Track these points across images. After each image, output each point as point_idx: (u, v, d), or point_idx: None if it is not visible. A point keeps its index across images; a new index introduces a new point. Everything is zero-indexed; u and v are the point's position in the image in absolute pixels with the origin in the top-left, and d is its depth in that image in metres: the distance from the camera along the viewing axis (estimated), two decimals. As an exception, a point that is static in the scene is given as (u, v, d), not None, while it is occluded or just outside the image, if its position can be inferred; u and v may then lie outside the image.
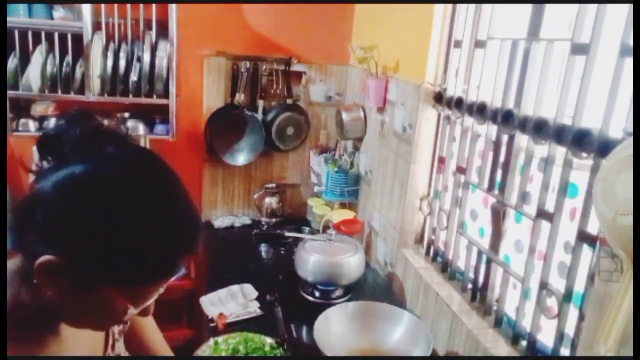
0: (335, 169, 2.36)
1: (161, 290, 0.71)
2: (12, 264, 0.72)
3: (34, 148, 0.70)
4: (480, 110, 1.49)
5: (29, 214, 0.65)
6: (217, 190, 2.61)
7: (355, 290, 1.88)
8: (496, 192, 1.46)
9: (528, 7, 1.35)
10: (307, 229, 2.46)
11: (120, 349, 0.91)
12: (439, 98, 1.72)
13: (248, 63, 2.41)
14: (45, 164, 0.68)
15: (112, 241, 0.63)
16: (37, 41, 2.14)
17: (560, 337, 1.18)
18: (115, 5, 2.20)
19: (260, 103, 2.48)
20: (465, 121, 1.60)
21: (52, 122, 2.27)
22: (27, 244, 0.66)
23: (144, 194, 0.66)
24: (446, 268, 1.70)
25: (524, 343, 1.32)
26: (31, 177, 0.69)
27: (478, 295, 1.53)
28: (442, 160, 1.75)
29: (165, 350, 1.04)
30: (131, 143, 0.73)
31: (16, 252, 0.71)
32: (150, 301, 0.72)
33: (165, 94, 2.25)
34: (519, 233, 1.42)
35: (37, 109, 2.27)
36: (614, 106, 1.03)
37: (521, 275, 1.32)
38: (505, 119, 1.37)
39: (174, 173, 0.71)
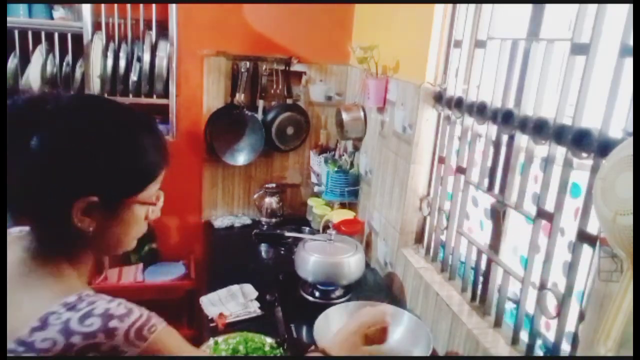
0: (335, 169, 2.36)
1: (158, 186, 0.88)
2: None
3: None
4: (480, 110, 1.49)
5: (47, 171, 0.75)
6: (217, 190, 2.61)
7: (355, 290, 1.88)
8: (496, 192, 1.46)
9: (528, 7, 1.35)
10: (307, 229, 2.45)
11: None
12: (439, 98, 1.72)
13: (248, 63, 2.41)
14: (21, 139, 0.74)
15: (120, 158, 0.80)
16: (37, 41, 2.14)
17: (560, 337, 1.18)
18: (115, 5, 2.20)
19: (260, 103, 2.48)
20: (465, 121, 1.60)
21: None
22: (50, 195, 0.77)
23: (129, 121, 0.84)
24: (446, 268, 1.71)
25: (524, 343, 1.32)
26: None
27: (478, 295, 1.54)
28: (442, 160, 1.75)
29: None
30: (98, 95, 0.87)
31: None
32: (160, 202, 0.90)
33: (165, 94, 2.25)
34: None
35: (37, 109, 2.26)
36: (614, 106, 1.03)
37: (521, 275, 1.32)
38: (505, 119, 1.37)
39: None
